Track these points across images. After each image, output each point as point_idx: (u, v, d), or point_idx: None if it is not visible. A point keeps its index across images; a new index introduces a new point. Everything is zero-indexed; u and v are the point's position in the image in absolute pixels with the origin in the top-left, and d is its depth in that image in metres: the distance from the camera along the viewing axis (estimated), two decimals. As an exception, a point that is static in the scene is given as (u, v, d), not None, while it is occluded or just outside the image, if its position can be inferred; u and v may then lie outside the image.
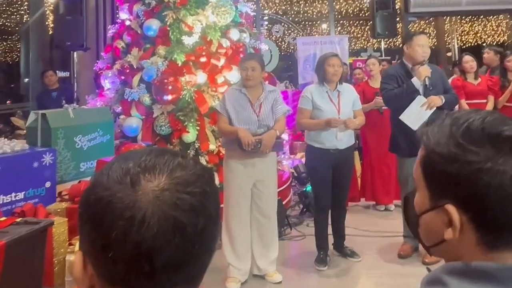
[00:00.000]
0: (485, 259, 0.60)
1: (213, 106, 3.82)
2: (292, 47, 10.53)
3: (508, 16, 10.19)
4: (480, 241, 0.61)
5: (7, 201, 2.77)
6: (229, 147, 2.96)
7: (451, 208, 0.61)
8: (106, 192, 0.51)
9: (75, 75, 6.44)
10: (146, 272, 0.50)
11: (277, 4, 11.59)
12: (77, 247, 2.79)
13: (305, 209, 4.24)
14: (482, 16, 11.34)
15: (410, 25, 9.16)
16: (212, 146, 3.97)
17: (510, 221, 0.59)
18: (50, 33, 7.74)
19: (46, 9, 7.16)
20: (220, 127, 2.99)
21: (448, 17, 11.09)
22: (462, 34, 12.05)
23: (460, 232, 0.61)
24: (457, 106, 3.58)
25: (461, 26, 12.00)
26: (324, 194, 3.11)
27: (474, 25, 12.06)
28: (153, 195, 0.50)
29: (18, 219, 2.12)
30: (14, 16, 9.70)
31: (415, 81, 3.01)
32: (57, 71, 5.94)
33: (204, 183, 0.54)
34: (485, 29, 12.01)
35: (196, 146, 3.99)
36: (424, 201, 0.66)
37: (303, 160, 5.01)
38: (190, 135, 3.95)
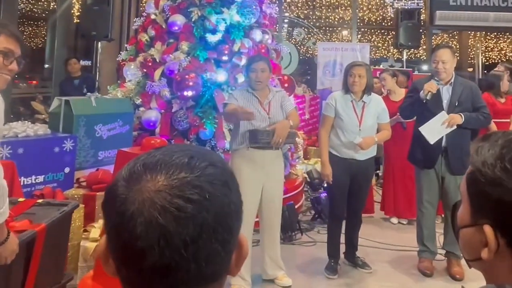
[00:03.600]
0: None
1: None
2: (311, 52, 10.47)
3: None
4: None
5: (28, 183, 2.82)
6: (238, 146, 2.80)
7: (488, 230, 0.60)
8: (113, 185, 0.52)
9: (98, 65, 6.52)
10: (137, 271, 0.48)
11: (299, 8, 11.56)
12: (92, 234, 2.78)
13: (317, 216, 4.20)
14: (508, 33, 11.15)
15: (433, 37, 9.05)
16: (228, 144, 3.98)
17: None
18: (74, 21, 7.85)
19: (72, -2, 7.27)
20: (224, 111, 2.90)
21: (473, 32, 10.91)
22: (486, 50, 11.84)
23: (497, 254, 0.60)
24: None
25: (486, 42, 11.80)
26: (339, 203, 3.06)
27: (499, 42, 11.85)
28: (145, 196, 0.48)
29: (40, 200, 2.13)
30: (41, 3, 9.87)
31: (421, 95, 3.01)
32: (80, 60, 6.02)
33: (206, 190, 0.48)
34: (510, 46, 11.79)
35: (212, 144, 4.00)
36: (465, 216, 0.65)
37: (317, 166, 4.97)
38: (207, 132, 3.96)
